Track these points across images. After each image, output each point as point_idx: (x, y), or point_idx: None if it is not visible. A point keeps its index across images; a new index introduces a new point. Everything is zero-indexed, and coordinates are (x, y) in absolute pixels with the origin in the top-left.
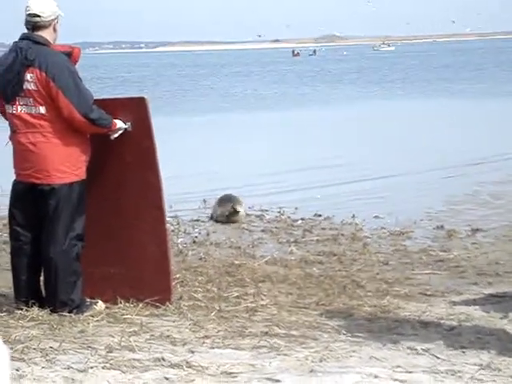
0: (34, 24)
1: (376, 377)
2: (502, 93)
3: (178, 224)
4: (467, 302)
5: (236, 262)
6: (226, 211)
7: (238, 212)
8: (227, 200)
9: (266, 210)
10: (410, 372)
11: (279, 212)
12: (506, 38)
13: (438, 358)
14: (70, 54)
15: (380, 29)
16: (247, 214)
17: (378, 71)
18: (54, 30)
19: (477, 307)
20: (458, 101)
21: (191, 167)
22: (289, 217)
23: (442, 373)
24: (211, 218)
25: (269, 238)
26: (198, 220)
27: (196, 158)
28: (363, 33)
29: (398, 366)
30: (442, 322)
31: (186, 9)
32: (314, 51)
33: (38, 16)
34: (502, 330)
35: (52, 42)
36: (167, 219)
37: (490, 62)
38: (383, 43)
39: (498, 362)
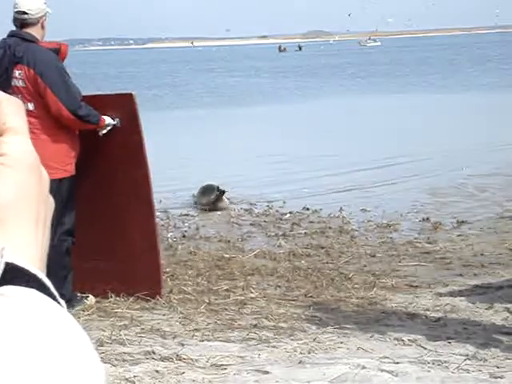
0: (21, 21)
1: (364, 368)
2: (480, 86)
3: (168, 218)
4: (453, 294)
5: (225, 256)
6: (213, 196)
7: (224, 193)
8: (212, 188)
9: (255, 204)
10: (397, 363)
11: (268, 206)
12: (490, 32)
13: (425, 348)
14: (58, 51)
15: (367, 25)
16: (240, 209)
17: (356, 66)
18: (42, 27)
19: (462, 298)
20: (437, 95)
21: (180, 162)
22: (277, 210)
23: (428, 363)
24: (195, 204)
25: (257, 232)
26: (187, 214)
27: (184, 152)
28: (350, 28)
29: (386, 357)
30: (429, 313)
31: (174, 5)
32: (299, 47)
33: (26, 13)
34: (487, 320)
35: (40, 38)
36: (157, 214)
37: (463, 57)
38: (369, 38)
39: (484, 353)
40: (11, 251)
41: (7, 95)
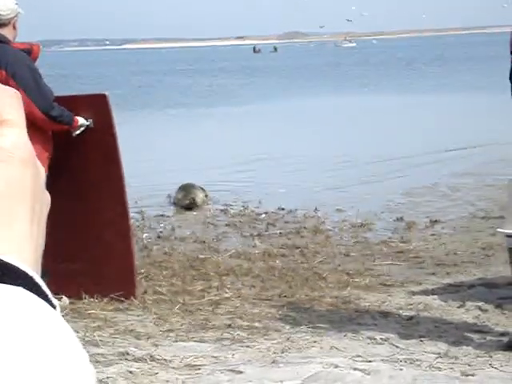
0: None
1: (336, 366)
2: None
3: (143, 219)
4: (426, 292)
5: (200, 256)
6: (187, 200)
7: (196, 202)
8: (187, 188)
9: (231, 205)
10: (370, 361)
11: (243, 206)
12: (463, 33)
13: (397, 346)
14: (30, 52)
15: (343, 26)
16: (216, 209)
17: (321, 67)
18: (14, 27)
19: (435, 297)
20: (410, 95)
21: (155, 162)
22: (253, 211)
23: (400, 361)
24: (173, 203)
25: (233, 232)
26: (162, 215)
27: (160, 152)
28: (327, 29)
29: (358, 356)
30: (401, 311)
31: (151, 6)
32: (275, 48)
33: None
34: (459, 318)
35: (12, 39)
36: (132, 215)
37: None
38: (345, 39)
39: (456, 351)
40: (1, 248)
41: (2, 86)
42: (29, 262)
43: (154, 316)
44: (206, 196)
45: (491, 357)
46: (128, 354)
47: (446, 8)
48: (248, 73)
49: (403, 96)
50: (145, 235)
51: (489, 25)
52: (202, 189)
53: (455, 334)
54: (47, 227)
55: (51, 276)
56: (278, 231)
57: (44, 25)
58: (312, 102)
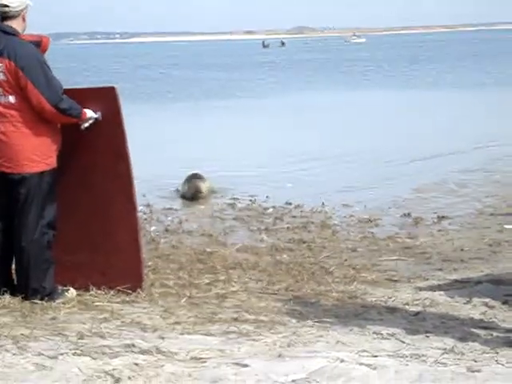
0: (2, 14)
1: (342, 361)
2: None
3: (151, 212)
4: (432, 288)
5: (208, 250)
6: (190, 191)
7: (201, 193)
8: (191, 179)
9: (238, 199)
10: (376, 356)
11: (251, 200)
12: (474, 29)
13: (403, 342)
14: (39, 44)
15: (352, 21)
16: (223, 203)
17: (328, 62)
18: (23, 19)
19: (441, 293)
20: (416, 91)
21: (164, 155)
22: (260, 205)
23: (406, 357)
24: (181, 196)
25: (240, 226)
26: (170, 208)
27: (169, 146)
28: (335, 24)
29: (364, 351)
30: (408, 307)
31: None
32: (283, 43)
33: (7, 6)
34: (465, 314)
35: (21, 31)
36: (140, 207)
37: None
38: (354, 35)
39: (462, 346)
40: None
41: None
42: None
43: (161, 309)
44: (209, 186)
45: (497, 353)
46: (134, 346)
47: (458, 4)
48: (257, 67)
49: (409, 92)
50: (152, 228)
51: (500, 21)
52: (205, 179)
53: (461, 330)
54: (56, 220)
55: (58, 267)
56: (286, 226)
57: (54, 18)
58: (315, 97)
